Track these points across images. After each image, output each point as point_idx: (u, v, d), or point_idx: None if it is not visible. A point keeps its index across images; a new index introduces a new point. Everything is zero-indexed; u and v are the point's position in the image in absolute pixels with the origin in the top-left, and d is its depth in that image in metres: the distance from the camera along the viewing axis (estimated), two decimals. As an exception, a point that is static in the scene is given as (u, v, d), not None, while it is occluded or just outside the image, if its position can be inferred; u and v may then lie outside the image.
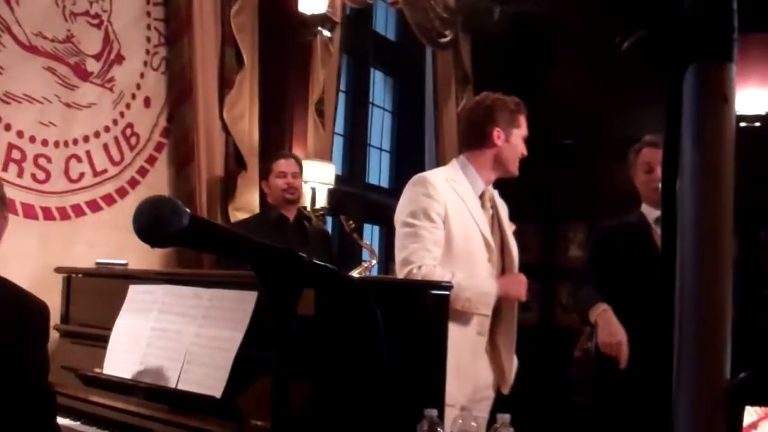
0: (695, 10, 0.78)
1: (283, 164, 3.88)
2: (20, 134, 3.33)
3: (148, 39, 3.94)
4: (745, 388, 0.79)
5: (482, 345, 2.63)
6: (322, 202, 4.58)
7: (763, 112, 5.03)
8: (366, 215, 6.00)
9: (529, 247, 5.78)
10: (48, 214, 3.44)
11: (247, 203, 4.19)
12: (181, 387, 2.21)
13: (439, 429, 1.74)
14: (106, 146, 3.70)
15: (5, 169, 3.24)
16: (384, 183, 6.73)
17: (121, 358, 2.43)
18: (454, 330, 2.20)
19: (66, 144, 3.52)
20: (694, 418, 0.78)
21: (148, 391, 2.30)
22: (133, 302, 2.52)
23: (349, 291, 1.23)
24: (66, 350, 2.77)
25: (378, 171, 6.70)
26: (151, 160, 3.92)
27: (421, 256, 2.50)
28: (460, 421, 1.80)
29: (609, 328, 2.86)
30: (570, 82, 5.79)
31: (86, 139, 3.61)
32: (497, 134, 2.69)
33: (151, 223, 0.93)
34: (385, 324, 1.17)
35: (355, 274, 3.96)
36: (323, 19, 4.53)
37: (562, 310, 6.03)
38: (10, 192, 2.91)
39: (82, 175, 3.59)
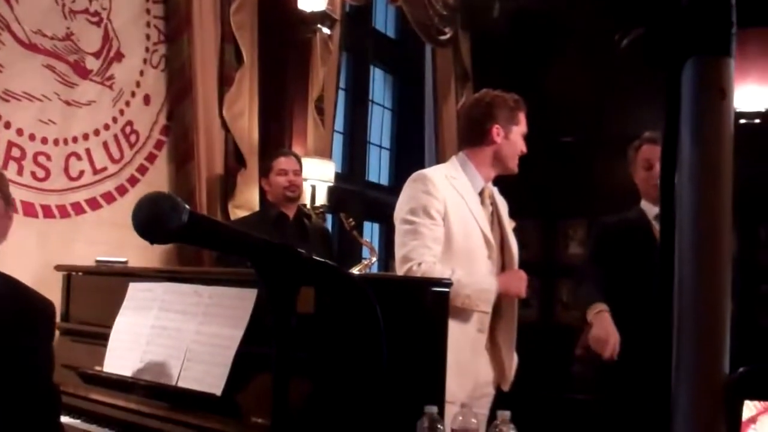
0: (693, 5, 0.78)
1: (283, 162, 3.88)
2: (20, 132, 3.33)
3: (148, 36, 3.94)
4: (745, 382, 0.79)
5: (482, 342, 2.63)
6: (321, 199, 4.58)
7: (762, 109, 5.02)
8: (366, 213, 6.00)
9: (529, 244, 5.78)
10: (48, 212, 3.44)
11: (246, 201, 4.19)
12: (181, 384, 2.21)
13: (439, 426, 1.74)
14: (105, 144, 3.70)
15: (5, 167, 3.24)
16: (384, 180, 6.73)
17: (122, 356, 2.43)
18: (454, 327, 2.20)
19: (66, 142, 3.52)
20: (694, 412, 0.78)
21: (148, 388, 2.30)
22: (133, 300, 2.52)
23: (348, 288, 1.23)
24: (66, 348, 2.76)
25: (378, 168, 6.70)
26: (151, 157, 3.92)
27: (421, 253, 2.50)
28: (460, 418, 1.80)
29: (601, 325, 2.88)
30: (570, 79, 5.79)
31: (86, 136, 3.61)
32: (497, 131, 2.69)
33: (150, 219, 0.93)
34: (385, 321, 1.17)
35: (355, 271, 3.96)
36: (323, 17, 4.53)
37: (562, 307, 6.03)
38: (9, 190, 2.90)
39: (81, 173, 3.59)
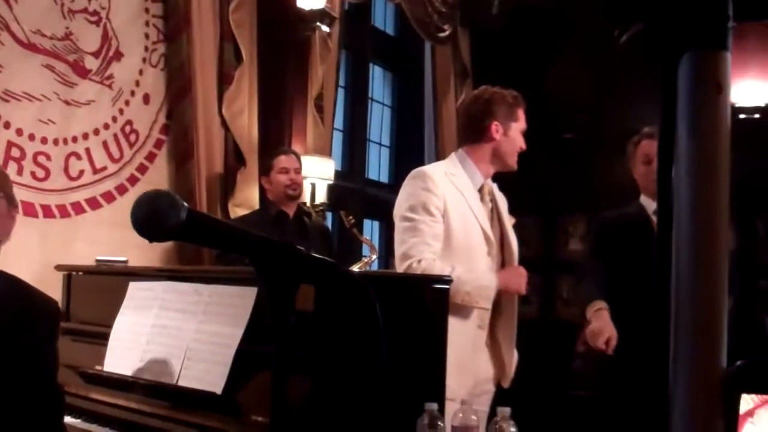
0: (689, -1, 0.79)
1: (284, 160, 3.88)
2: (19, 132, 3.34)
3: (147, 36, 3.94)
4: (742, 375, 0.79)
5: (482, 339, 2.63)
6: (321, 197, 4.58)
7: (762, 104, 5.02)
8: (366, 210, 6.00)
9: (529, 240, 5.78)
10: (48, 212, 3.45)
11: (246, 199, 4.19)
12: (181, 383, 2.21)
13: (439, 423, 1.74)
14: (105, 143, 3.70)
15: (5, 167, 3.24)
16: (383, 178, 6.73)
17: (122, 356, 2.43)
18: (454, 324, 2.20)
19: (65, 141, 3.53)
20: (691, 406, 0.78)
21: (148, 387, 2.30)
22: (133, 299, 2.52)
23: (348, 285, 1.23)
24: (66, 348, 2.74)
25: (377, 166, 6.70)
26: (151, 157, 3.92)
27: (421, 250, 2.50)
28: (461, 414, 1.80)
29: (599, 322, 2.88)
30: (569, 76, 5.78)
31: (86, 136, 3.62)
32: (496, 128, 2.69)
33: (149, 217, 0.93)
34: (385, 318, 1.16)
35: (355, 269, 3.96)
36: (322, 15, 4.52)
37: (563, 303, 6.03)
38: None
39: (81, 172, 3.59)
